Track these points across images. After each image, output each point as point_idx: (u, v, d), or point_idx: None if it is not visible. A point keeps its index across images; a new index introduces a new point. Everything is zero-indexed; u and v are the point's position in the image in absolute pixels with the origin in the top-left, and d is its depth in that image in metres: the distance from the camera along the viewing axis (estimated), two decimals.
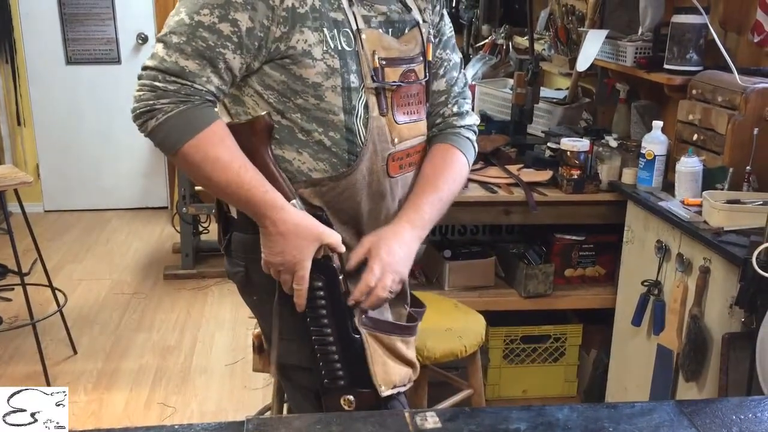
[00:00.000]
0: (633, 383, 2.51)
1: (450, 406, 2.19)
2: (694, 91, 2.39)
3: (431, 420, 1.04)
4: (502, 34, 4.12)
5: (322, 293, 1.36)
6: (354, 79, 1.35)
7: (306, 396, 1.47)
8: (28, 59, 5.02)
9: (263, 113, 1.36)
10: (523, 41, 3.84)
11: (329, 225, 1.38)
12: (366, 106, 1.38)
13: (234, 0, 1.26)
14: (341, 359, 1.37)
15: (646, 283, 2.34)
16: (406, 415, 1.06)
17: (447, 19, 1.58)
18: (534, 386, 2.92)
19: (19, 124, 5.05)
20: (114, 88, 5.04)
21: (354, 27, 1.35)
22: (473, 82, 3.63)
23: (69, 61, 5.07)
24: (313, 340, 1.36)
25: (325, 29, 1.32)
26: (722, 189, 2.21)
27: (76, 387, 3.02)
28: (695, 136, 2.36)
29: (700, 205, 2.18)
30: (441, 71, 1.56)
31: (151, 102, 1.26)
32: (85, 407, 2.89)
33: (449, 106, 1.57)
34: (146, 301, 3.86)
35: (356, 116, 1.37)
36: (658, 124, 2.44)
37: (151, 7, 5.06)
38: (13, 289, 3.71)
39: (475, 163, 2.78)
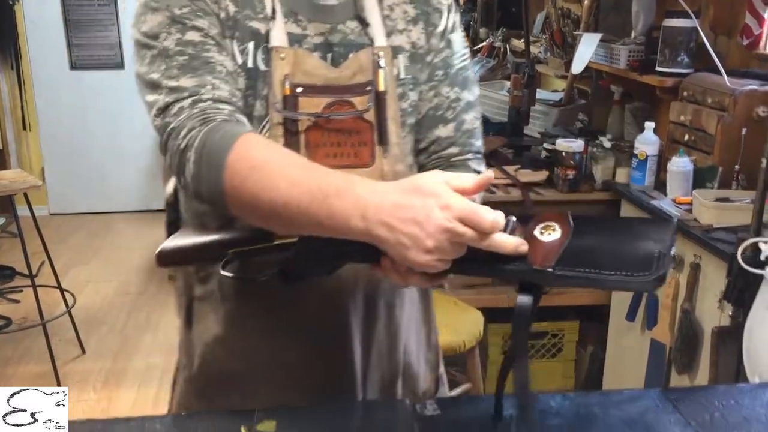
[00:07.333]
0: (628, 377, 2.57)
1: None
2: (685, 93, 2.45)
3: (430, 407, 1.11)
4: (500, 37, 4.19)
5: None
6: (259, 107, 1.07)
7: None
8: (33, 65, 5.08)
9: None
10: (519, 44, 3.90)
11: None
12: None
13: (178, 14, 1.02)
14: None
15: None
16: (407, 402, 1.13)
17: (458, 46, 1.18)
18: (532, 381, 2.97)
19: (24, 128, 5.11)
20: (118, 93, 5.09)
21: (271, 44, 1.06)
22: None
23: (73, 66, 5.13)
24: None
25: (235, 41, 1.05)
26: (712, 188, 2.27)
27: (85, 386, 3.09)
28: (686, 137, 2.43)
29: (691, 204, 2.25)
30: (449, 114, 1.16)
31: (177, 143, 0.98)
32: (94, 405, 2.96)
33: (454, 148, 1.17)
34: (152, 302, 3.92)
35: None
36: (649, 125, 2.50)
37: None
38: (21, 290, 3.78)
39: None
